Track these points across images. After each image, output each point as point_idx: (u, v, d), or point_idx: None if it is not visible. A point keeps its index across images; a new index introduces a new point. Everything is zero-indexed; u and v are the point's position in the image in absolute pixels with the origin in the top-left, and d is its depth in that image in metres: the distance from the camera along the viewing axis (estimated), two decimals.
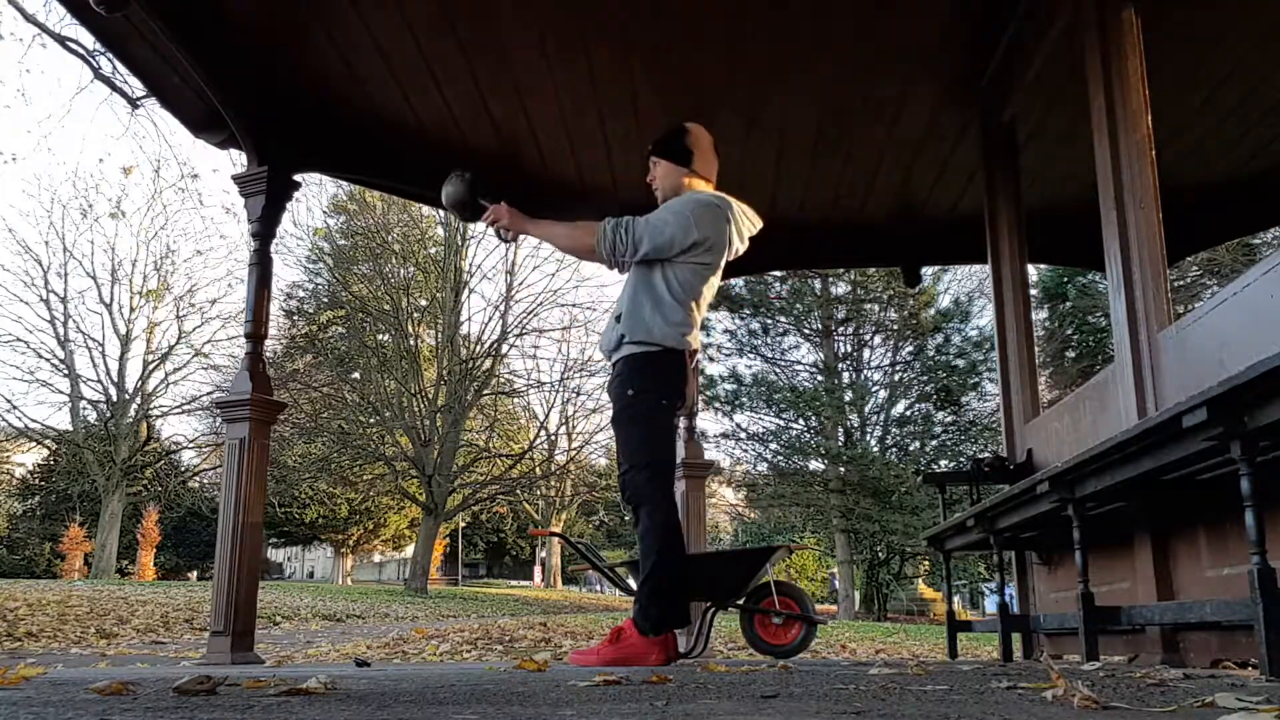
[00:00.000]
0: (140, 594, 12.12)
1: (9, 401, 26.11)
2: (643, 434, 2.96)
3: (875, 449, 21.95)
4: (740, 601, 3.68)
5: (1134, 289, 2.97)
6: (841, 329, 22.70)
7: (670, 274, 3.00)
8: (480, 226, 3.40)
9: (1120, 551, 3.17)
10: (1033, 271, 19.15)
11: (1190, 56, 4.01)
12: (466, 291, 23.38)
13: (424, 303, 22.94)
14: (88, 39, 11.16)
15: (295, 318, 24.97)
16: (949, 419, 22.32)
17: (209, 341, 26.88)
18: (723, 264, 3.13)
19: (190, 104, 4.17)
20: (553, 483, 29.42)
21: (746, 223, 3.19)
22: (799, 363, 23.08)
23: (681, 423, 4.81)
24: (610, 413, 3.08)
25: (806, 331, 22.68)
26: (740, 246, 3.18)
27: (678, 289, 3.00)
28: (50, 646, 6.52)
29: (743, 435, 22.44)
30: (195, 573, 33.03)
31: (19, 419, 26.03)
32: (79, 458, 26.93)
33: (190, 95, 4.10)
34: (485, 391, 23.15)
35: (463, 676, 2.09)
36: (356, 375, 22.81)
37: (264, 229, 4.02)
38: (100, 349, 26.97)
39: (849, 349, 23.20)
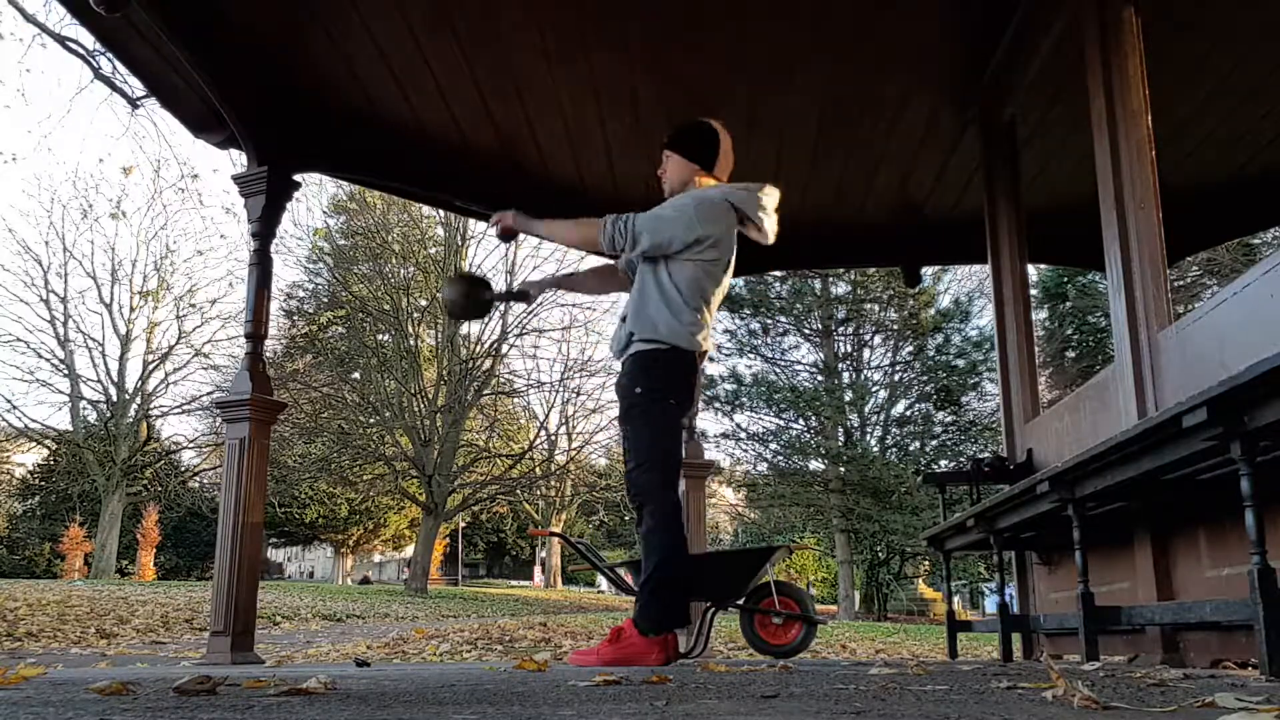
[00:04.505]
0: (140, 594, 12.12)
1: (9, 401, 26.26)
2: (650, 433, 2.95)
3: (875, 449, 21.97)
4: (740, 601, 3.68)
5: (1134, 289, 2.97)
6: (841, 329, 22.71)
7: (676, 272, 2.97)
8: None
9: (1120, 551, 3.17)
10: (1033, 271, 19.15)
11: (1190, 56, 4.01)
12: None
13: (424, 303, 22.92)
14: (88, 39, 11.11)
15: (295, 318, 24.97)
16: (949, 419, 22.34)
17: (209, 341, 26.98)
18: (732, 261, 3.09)
19: (190, 104, 4.17)
20: (553, 483, 29.41)
21: (763, 213, 3.06)
22: (799, 363, 23.11)
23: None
24: (615, 411, 3.07)
25: (806, 331, 22.69)
26: (769, 226, 3.05)
27: (685, 287, 2.96)
28: (50, 646, 6.52)
29: (743, 435, 22.47)
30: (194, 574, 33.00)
31: (19, 419, 26.14)
32: (79, 458, 26.96)
33: (190, 95, 4.10)
34: (485, 391, 23.14)
35: (463, 676, 2.09)
36: (356, 375, 22.81)
37: (264, 229, 4.02)
38: (100, 349, 27.07)
39: (849, 349, 23.22)
